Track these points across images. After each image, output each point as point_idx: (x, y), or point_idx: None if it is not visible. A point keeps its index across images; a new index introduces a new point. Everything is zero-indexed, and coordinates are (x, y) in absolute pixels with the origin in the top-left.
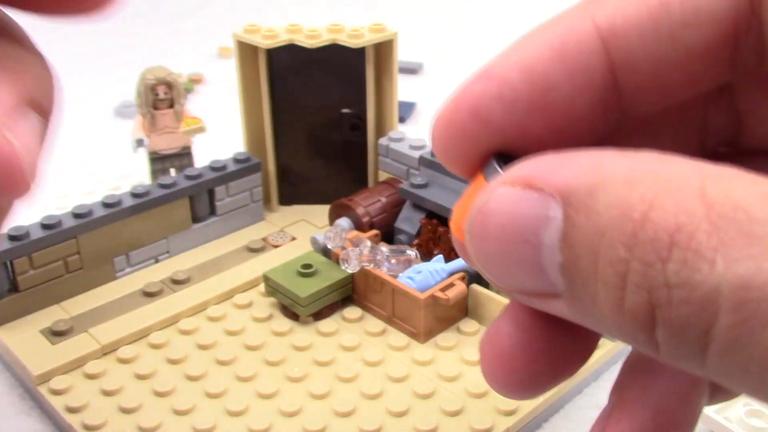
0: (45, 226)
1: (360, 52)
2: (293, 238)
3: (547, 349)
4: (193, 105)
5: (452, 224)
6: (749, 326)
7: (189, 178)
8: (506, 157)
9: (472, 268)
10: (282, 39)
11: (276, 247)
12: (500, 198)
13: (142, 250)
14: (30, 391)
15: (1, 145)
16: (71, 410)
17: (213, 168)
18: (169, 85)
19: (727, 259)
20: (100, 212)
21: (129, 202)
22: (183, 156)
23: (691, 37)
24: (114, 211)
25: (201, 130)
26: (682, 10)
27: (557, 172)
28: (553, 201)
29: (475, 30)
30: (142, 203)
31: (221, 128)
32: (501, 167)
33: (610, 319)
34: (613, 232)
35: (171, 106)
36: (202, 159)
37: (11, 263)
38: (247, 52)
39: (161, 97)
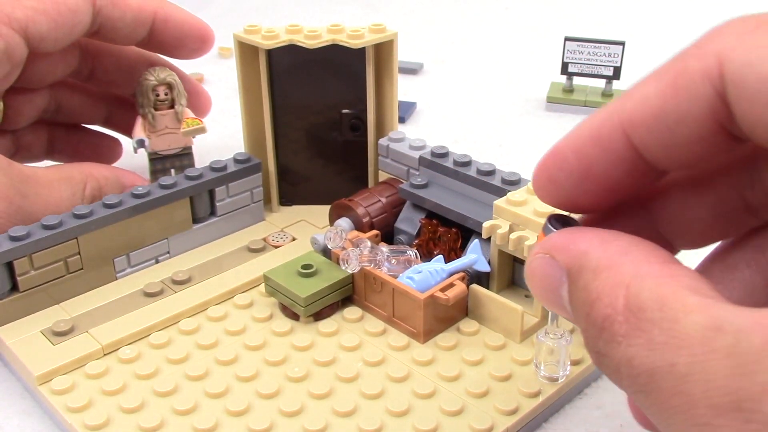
0: (46, 227)
1: (360, 52)
2: (293, 239)
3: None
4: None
5: None
6: (635, 385)
7: (189, 178)
8: (562, 217)
9: (472, 268)
10: (282, 39)
11: (276, 247)
12: (537, 261)
13: (143, 250)
14: (31, 391)
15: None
16: (73, 410)
17: (213, 168)
18: (170, 86)
19: (626, 343)
20: (101, 213)
21: (130, 202)
22: (183, 156)
23: (684, 130)
24: (115, 211)
25: (201, 130)
26: (677, 111)
27: (566, 249)
28: (562, 270)
29: (476, 31)
30: (143, 204)
31: (221, 128)
32: (552, 226)
33: (594, 348)
34: (581, 307)
35: (172, 106)
36: (202, 159)
37: (12, 264)
38: (247, 52)
39: (162, 98)
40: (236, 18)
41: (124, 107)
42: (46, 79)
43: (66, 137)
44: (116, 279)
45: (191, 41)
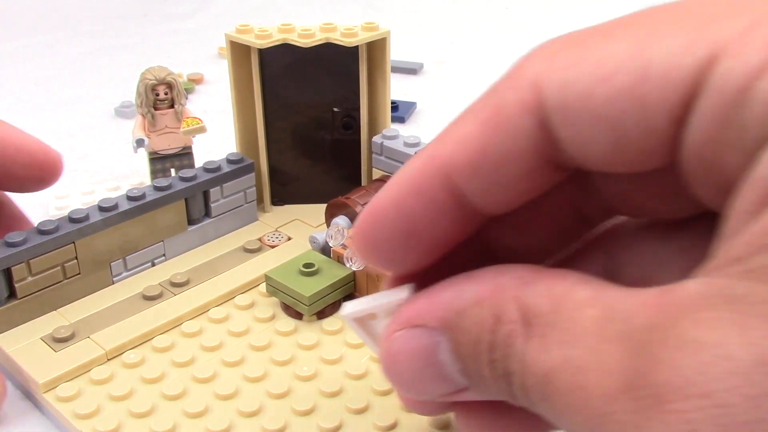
0: (42, 232)
1: (353, 50)
2: (289, 238)
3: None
4: (193, 105)
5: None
6: (537, 393)
7: (184, 180)
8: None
9: None
10: (275, 39)
11: (272, 247)
12: (399, 340)
13: (139, 253)
14: (34, 398)
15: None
16: (81, 417)
17: (207, 169)
18: (170, 86)
19: (526, 352)
20: (97, 216)
21: (125, 205)
22: (183, 156)
23: (510, 168)
24: (111, 215)
25: (201, 130)
26: (500, 151)
27: (431, 308)
28: (436, 331)
29: (476, 31)
30: (139, 206)
31: (221, 128)
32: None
33: (494, 386)
34: (482, 343)
35: (171, 106)
36: (202, 159)
37: (10, 270)
38: (239, 52)
39: (161, 98)
40: (236, 19)
41: None
42: None
43: None
44: (113, 283)
45: (19, 168)
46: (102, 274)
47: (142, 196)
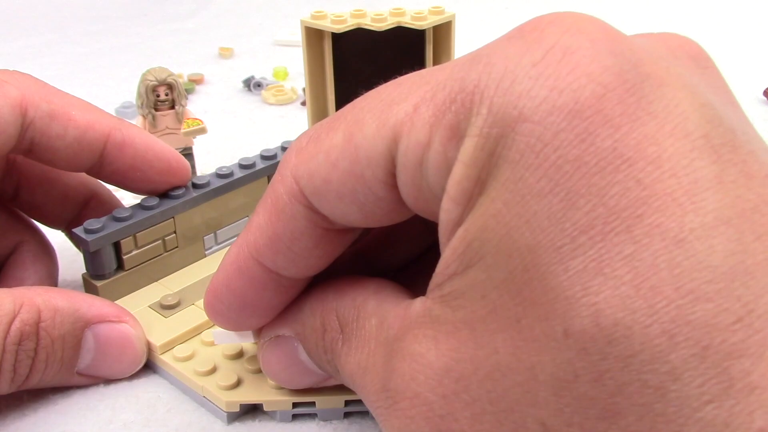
0: (145, 207)
1: (419, 34)
2: None
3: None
4: (194, 105)
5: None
6: (355, 390)
7: (265, 158)
8: None
9: None
10: (350, 23)
11: None
12: (268, 349)
13: (227, 228)
14: (149, 361)
15: (172, 155)
16: (202, 374)
17: (285, 148)
18: (170, 87)
19: (340, 355)
20: (192, 193)
21: (216, 183)
22: (184, 157)
23: (300, 243)
24: (205, 191)
25: (202, 131)
26: (286, 232)
27: (285, 320)
28: (292, 338)
29: (476, 31)
30: (228, 183)
31: (221, 128)
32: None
33: (338, 379)
34: (318, 347)
35: (172, 107)
36: (202, 159)
37: (119, 243)
38: (312, 37)
39: (162, 99)
40: (236, 18)
41: (35, 240)
42: None
43: None
44: (205, 256)
45: (155, 174)
46: (196, 247)
47: (230, 174)
